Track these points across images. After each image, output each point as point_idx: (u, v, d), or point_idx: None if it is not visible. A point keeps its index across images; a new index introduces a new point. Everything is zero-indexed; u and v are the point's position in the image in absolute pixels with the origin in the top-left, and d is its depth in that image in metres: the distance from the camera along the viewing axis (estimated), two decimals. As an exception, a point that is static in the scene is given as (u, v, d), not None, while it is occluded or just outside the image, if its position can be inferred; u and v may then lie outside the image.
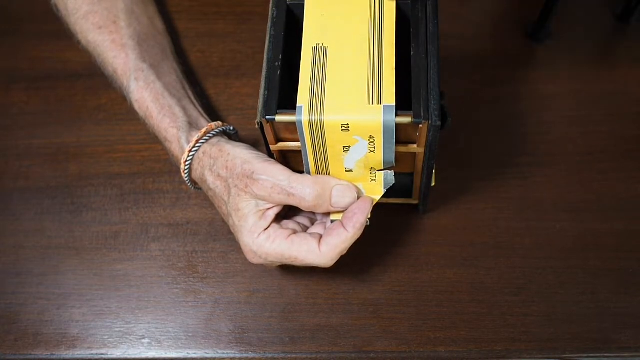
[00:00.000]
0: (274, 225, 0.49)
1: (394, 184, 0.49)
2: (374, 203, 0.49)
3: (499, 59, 0.67)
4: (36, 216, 0.61)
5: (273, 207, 0.49)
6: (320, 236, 0.48)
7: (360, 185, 0.49)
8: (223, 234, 0.60)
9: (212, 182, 0.51)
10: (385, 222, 0.58)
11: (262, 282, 0.58)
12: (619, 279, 0.57)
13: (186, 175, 0.53)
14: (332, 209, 0.48)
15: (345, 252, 0.48)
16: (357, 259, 0.56)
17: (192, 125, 0.54)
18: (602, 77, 0.66)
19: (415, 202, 0.57)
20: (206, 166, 0.51)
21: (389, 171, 0.48)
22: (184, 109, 0.55)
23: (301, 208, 0.48)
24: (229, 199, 0.49)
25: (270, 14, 0.49)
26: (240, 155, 0.49)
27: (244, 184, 0.48)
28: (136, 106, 0.56)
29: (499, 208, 0.60)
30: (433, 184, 0.54)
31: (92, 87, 0.67)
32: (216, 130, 0.53)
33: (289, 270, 0.58)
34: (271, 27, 0.49)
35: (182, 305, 0.57)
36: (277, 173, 0.47)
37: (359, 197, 0.48)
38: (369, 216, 0.48)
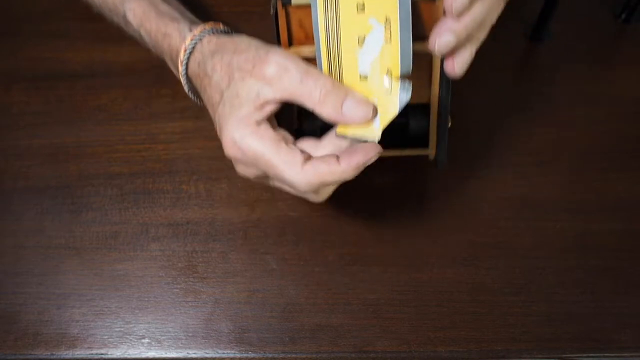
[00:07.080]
0: (266, 123, 0.45)
1: (408, 125, 0.45)
2: (381, 152, 0.45)
3: (499, 59, 0.67)
4: (36, 216, 0.61)
5: (273, 103, 0.44)
6: (311, 158, 0.44)
7: (375, 101, 0.45)
8: (223, 234, 0.60)
9: (211, 67, 0.46)
10: (386, 222, 0.58)
11: (262, 282, 0.58)
12: (619, 279, 0.57)
13: (183, 69, 0.49)
14: (340, 117, 0.44)
15: (328, 190, 0.45)
16: (357, 259, 0.56)
17: (193, 22, 0.51)
18: (602, 77, 0.65)
19: (432, 152, 0.54)
20: (208, 53, 0.47)
21: (406, 80, 0.45)
22: (183, 13, 0.53)
23: (307, 103, 0.44)
24: (228, 85, 0.45)
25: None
26: (252, 42, 0.46)
27: (251, 64, 0.44)
28: (130, 16, 0.53)
29: (499, 208, 0.60)
30: (449, 124, 0.51)
31: (92, 87, 0.67)
32: (222, 29, 0.50)
33: (289, 270, 0.58)
34: None
35: (182, 305, 0.57)
36: (294, 58, 0.44)
37: (372, 116, 0.44)
38: (368, 163, 0.44)
